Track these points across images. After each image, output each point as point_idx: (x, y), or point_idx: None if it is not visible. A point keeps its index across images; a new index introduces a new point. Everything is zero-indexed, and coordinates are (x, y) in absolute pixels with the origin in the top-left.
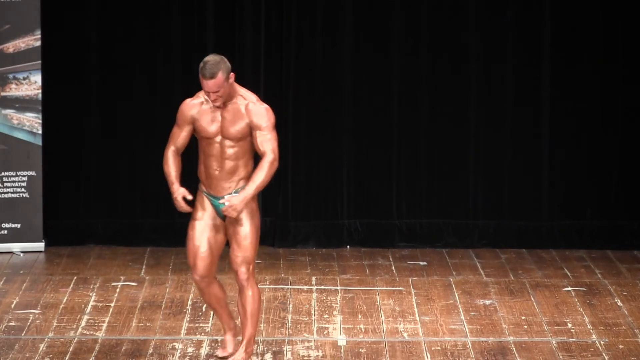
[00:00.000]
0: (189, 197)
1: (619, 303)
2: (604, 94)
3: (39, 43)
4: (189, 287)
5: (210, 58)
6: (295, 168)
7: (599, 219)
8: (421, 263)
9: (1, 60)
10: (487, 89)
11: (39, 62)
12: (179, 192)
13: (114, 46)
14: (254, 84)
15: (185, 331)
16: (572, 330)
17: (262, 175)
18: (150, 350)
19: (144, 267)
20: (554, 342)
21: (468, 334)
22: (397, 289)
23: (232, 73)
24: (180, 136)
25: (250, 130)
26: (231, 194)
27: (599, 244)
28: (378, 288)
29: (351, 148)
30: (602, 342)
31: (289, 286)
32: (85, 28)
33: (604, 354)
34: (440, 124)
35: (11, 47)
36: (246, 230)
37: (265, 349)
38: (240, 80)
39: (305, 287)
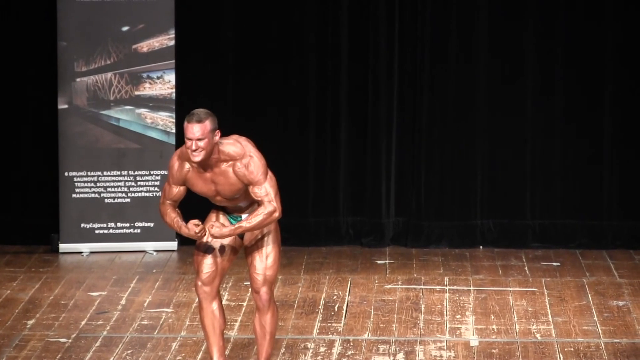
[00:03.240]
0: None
1: None
2: None
3: (173, 42)
4: (321, 286)
5: (200, 109)
6: (428, 168)
7: None
8: (554, 264)
9: (135, 59)
10: (624, 90)
11: (173, 61)
12: (190, 224)
13: (249, 46)
14: (387, 86)
15: (318, 331)
16: None
17: (256, 221)
18: (282, 350)
19: None
20: None
21: (601, 335)
22: (530, 289)
23: (218, 131)
24: (174, 193)
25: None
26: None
27: None
28: (511, 288)
29: (485, 148)
30: None
31: (422, 286)
32: (220, 27)
33: None
34: (574, 124)
35: (145, 46)
36: (269, 250)
37: (398, 348)
38: (373, 84)
39: (437, 287)
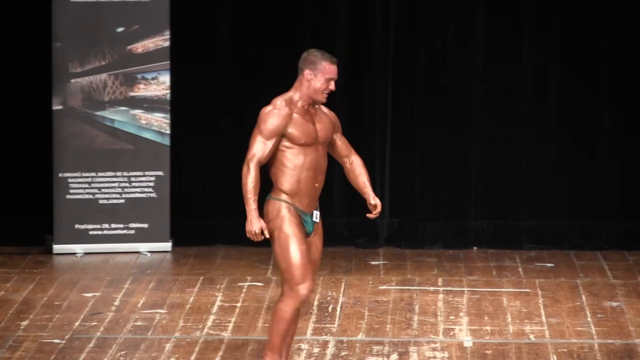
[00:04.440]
0: (267, 234)
1: None
2: None
3: (168, 43)
4: (315, 287)
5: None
6: (423, 169)
7: None
8: (548, 265)
9: (130, 60)
10: (619, 92)
11: (168, 62)
12: (262, 225)
13: (244, 47)
14: (383, 83)
15: (312, 331)
16: None
17: (365, 171)
18: None
19: (270, 267)
20: None
21: (595, 336)
22: (523, 290)
23: None
24: (267, 150)
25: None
26: (317, 208)
27: None
28: (505, 289)
29: (479, 149)
30: None
31: (416, 287)
32: (216, 29)
33: None
34: (568, 125)
35: (140, 47)
36: (320, 247)
37: (391, 349)
38: (370, 76)
39: (431, 289)
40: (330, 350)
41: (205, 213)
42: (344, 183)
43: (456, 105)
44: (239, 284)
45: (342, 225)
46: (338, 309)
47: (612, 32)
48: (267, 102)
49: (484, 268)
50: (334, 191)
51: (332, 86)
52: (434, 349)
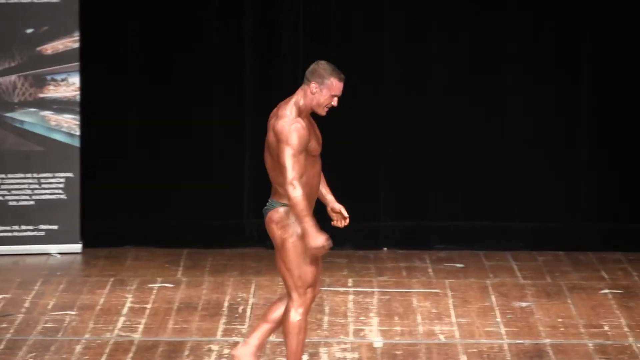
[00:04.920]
0: (331, 242)
1: None
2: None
3: (77, 45)
4: (225, 288)
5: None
6: (332, 169)
7: (636, 221)
8: (458, 265)
9: (40, 61)
10: (526, 88)
11: (77, 63)
12: (325, 235)
13: (154, 48)
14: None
15: (222, 333)
16: (609, 333)
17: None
18: (187, 352)
19: (180, 268)
20: (590, 344)
21: (504, 337)
22: (433, 291)
23: None
24: (302, 163)
25: None
26: None
27: (637, 246)
28: (415, 290)
29: (389, 149)
30: (638, 345)
31: (326, 288)
32: (125, 30)
33: None
34: (477, 125)
35: (50, 48)
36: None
37: None
38: (279, 77)
39: (341, 289)
40: None
41: (115, 215)
42: (254, 183)
43: (364, 106)
44: (149, 286)
45: (253, 226)
46: (248, 310)
47: (512, 21)
48: (175, 101)
49: (394, 269)
50: (244, 192)
51: (334, 102)
52: (344, 350)
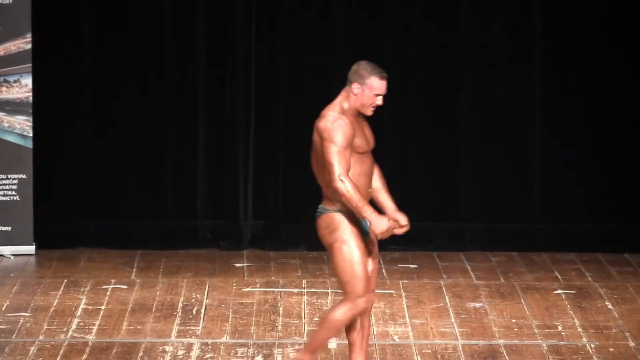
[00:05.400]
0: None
1: (610, 306)
2: (599, 97)
3: (29, 46)
4: (179, 289)
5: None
6: (286, 171)
7: (589, 222)
8: (412, 266)
9: None
10: (477, 93)
11: (30, 65)
12: (388, 218)
13: (106, 48)
14: (245, 89)
15: (176, 334)
16: (563, 333)
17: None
18: (141, 353)
19: (134, 270)
20: (544, 345)
21: (458, 337)
22: (387, 291)
23: None
24: (348, 158)
25: None
26: None
27: (590, 247)
28: None
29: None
30: (592, 345)
31: (280, 289)
32: (77, 31)
33: (594, 357)
34: (431, 125)
35: (2, 50)
36: (377, 254)
37: (256, 351)
38: (232, 76)
39: (295, 290)
40: (194, 352)
41: (69, 216)
42: (207, 184)
43: (316, 107)
44: (103, 287)
45: (206, 228)
46: (202, 311)
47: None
48: (127, 102)
49: None
50: (197, 193)
51: (379, 101)
52: (298, 351)
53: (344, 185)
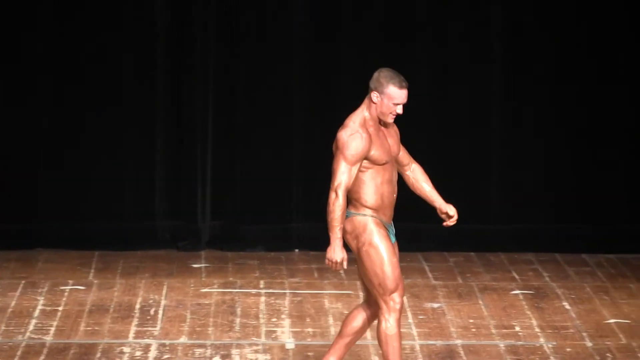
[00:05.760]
0: (345, 265)
1: (567, 306)
2: (556, 99)
3: None
4: (137, 290)
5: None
6: (245, 171)
7: (547, 222)
8: None
9: None
10: (437, 91)
11: None
12: (344, 255)
13: (57, 49)
14: (203, 88)
15: (134, 335)
16: (520, 334)
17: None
18: (99, 354)
19: (92, 271)
20: (501, 345)
21: (416, 337)
22: (345, 292)
23: None
24: (353, 175)
25: None
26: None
27: (547, 247)
28: (326, 291)
29: (299, 150)
30: (549, 346)
31: (238, 290)
32: (31, 30)
33: (551, 357)
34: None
35: None
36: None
37: (214, 352)
38: (190, 77)
39: (253, 291)
40: (152, 353)
41: (26, 217)
42: (165, 185)
43: (277, 106)
44: (61, 288)
45: (164, 229)
46: (160, 312)
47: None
48: (84, 102)
49: (306, 270)
50: (155, 193)
51: (399, 110)
52: (256, 351)
53: (336, 199)
